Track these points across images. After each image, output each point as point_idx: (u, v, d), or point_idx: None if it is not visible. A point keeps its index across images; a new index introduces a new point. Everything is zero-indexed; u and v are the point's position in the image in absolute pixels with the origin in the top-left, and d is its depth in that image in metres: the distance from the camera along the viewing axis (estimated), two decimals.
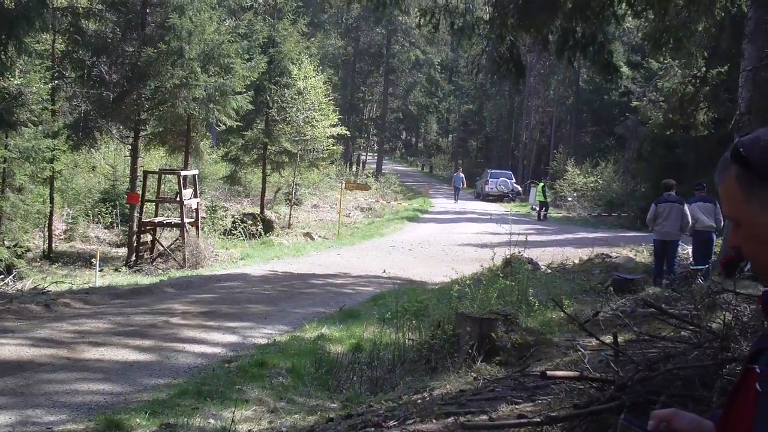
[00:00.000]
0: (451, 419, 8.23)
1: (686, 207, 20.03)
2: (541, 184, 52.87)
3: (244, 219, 38.04)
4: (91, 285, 23.78)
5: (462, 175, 62.48)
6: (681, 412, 2.74)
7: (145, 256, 30.59)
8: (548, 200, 52.65)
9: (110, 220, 36.56)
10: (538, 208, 51.63)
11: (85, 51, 29.66)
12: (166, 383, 11.76)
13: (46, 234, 30.94)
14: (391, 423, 8.50)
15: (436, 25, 15.26)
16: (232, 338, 15.41)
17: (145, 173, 31.80)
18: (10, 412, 10.19)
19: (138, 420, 9.64)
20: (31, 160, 26.33)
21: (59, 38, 29.63)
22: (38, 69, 26.67)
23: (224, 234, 36.02)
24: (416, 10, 18.13)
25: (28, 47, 21.70)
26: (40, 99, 25.95)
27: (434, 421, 8.26)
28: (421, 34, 75.58)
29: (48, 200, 29.49)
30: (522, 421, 7.28)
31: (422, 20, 15.64)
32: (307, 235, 38.57)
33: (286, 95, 40.46)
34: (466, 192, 64.83)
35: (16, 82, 24.68)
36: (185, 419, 9.73)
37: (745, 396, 2.40)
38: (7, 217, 25.45)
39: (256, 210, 41.62)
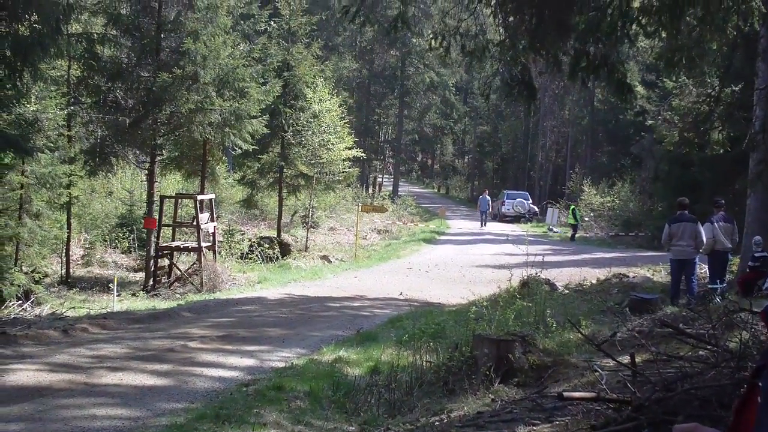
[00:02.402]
0: None
1: (700, 226, 19.99)
2: (572, 207, 53.31)
3: (261, 242, 38.04)
4: (108, 310, 23.82)
5: (488, 197, 60.92)
6: (702, 427, 2.76)
7: (163, 281, 30.64)
8: (579, 223, 52.95)
9: (127, 244, 36.64)
10: (572, 231, 52.12)
11: (100, 77, 29.74)
12: (183, 407, 11.75)
13: (64, 259, 31.01)
14: None
15: (447, 48, 15.29)
16: (249, 362, 15.42)
17: (162, 198, 31.86)
18: None
19: None
20: (48, 185, 26.40)
21: (74, 64, 29.73)
22: (54, 95, 26.75)
23: (241, 258, 36.03)
24: (429, 32, 18.14)
25: (44, 74, 21.85)
26: (56, 125, 26.02)
27: None
28: (435, 56, 75.65)
29: (65, 225, 29.58)
30: None
31: (433, 43, 15.67)
32: (324, 257, 38.57)
33: (302, 118, 40.47)
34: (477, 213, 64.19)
35: (32, 108, 24.78)
36: None
37: (751, 410, 2.42)
38: (24, 243, 25.52)
39: (273, 233, 41.62)
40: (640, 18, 13.65)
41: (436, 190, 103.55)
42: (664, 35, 14.73)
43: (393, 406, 11.79)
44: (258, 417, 10.88)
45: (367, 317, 21.78)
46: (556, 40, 13.78)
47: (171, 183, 41.35)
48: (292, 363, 14.99)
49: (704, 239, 19.84)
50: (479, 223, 58.36)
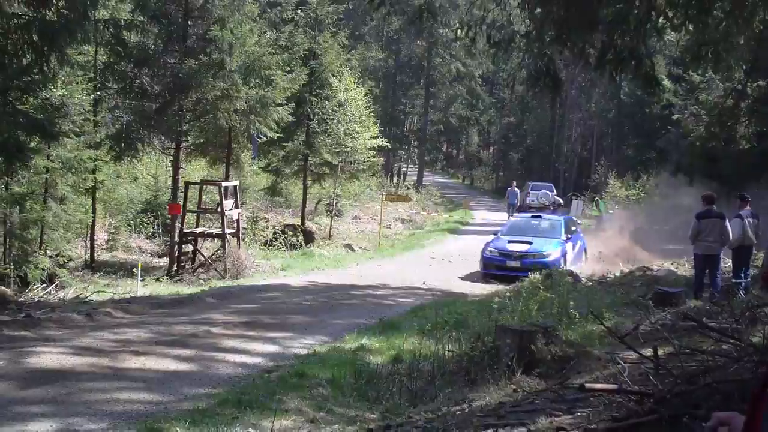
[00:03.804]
0: (490, 431, 8.26)
1: (727, 222, 19.87)
2: (596, 198, 53.37)
3: (285, 230, 38.09)
4: (132, 294, 23.91)
5: (517, 189, 60.08)
6: (740, 416, 2.80)
7: (187, 266, 30.72)
8: (603, 214, 52.94)
9: (152, 230, 36.75)
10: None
11: (126, 63, 29.83)
12: (206, 393, 11.83)
13: (89, 244, 31.10)
14: None
15: (473, 38, 15.25)
16: (272, 348, 15.48)
17: (187, 184, 31.96)
18: (52, 420, 10.32)
19: (178, 429, 9.67)
20: (74, 170, 26.49)
21: (101, 50, 29.80)
22: (80, 80, 26.84)
23: (265, 245, 36.09)
24: (456, 22, 18.05)
25: (70, 59, 21.90)
26: (82, 110, 26.07)
27: None
28: (462, 47, 75.42)
29: (90, 210, 29.64)
30: None
31: (459, 33, 15.63)
32: (348, 246, 38.59)
33: (327, 107, 40.47)
34: (504, 205, 63.80)
35: (58, 93, 24.85)
36: (225, 428, 9.77)
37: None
38: (49, 227, 25.63)
39: (297, 221, 41.61)
40: (667, 11, 13.61)
41: (460, 181, 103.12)
42: (690, 28, 14.67)
43: (414, 395, 11.79)
44: (280, 403, 10.89)
45: (390, 306, 21.80)
46: (583, 33, 13.75)
47: (196, 169, 41.39)
48: (315, 350, 15.03)
49: (731, 235, 19.72)
50: (506, 214, 57.94)
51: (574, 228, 32.20)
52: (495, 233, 31.58)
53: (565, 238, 29.74)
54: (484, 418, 8.88)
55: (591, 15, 13.37)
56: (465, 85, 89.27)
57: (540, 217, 33.09)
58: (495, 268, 28.29)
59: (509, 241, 29.31)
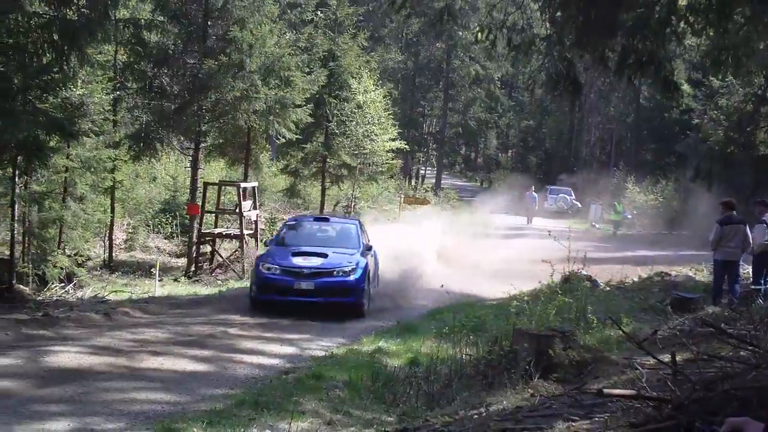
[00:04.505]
0: None
1: (748, 228, 19.81)
2: (616, 203, 53.36)
3: None
4: (150, 294, 24.01)
5: (535, 194, 59.91)
6: (753, 421, 2.80)
7: (205, 267, 30.83)
8: (621, 218, 53.03)
9: (170, 230, 36.86)
10: (613, 227, 52.33)
11: (146, 62, 29.99)
12: (223, 393, 11.87)
13: (107, 243, 31.21)
14: None
15: (493, 41, 15.24)
16: (289, 350, 15.54)
17: (205, 185, 32.07)
18: (69, 419, 10.36)
19: (195, 430, 9.68)
20: (93, 169, 26.54)
21: (121, 49, 29.91)
22: (100, 80, 26.92)
23: None
24: (475, 25, 18.07)
25: (90, 58, 22.00)
26: (101, 109, 26.14)
27: None
28: (481, 49, 75.36)
29: (109, 210, 29.74)
30: None
31: (480, 36, 15.63)
32: None
33: (346, 109, 40.54)
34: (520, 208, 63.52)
35: (78, 92, 24.91)
36: (242, 430, 9.79)
37: None
38: (68, 226, 25.67)
39: None
40: (688, 16, 13.58)
41: (479, 184, 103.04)
42: (711, 33, 14.64)
43: (432, 398, 11.80)
44: (297, 405, 10.92)
45: (407, 309, 21.80)
46: (603, 37, 13.72)
47: (214, 170, 41.50)
48: (332, 352, 15.08)
49: (751, 241, 19.67)
50: (525, 218, 57.72)
51: (367, 238, 24.64)
52: (266, 242, 25.37)
53: (363, 251, 22.57)
54: (501, 422, 8.86)
55: (611, 19, 13.34)
56: (484, 88, 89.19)
57: (327, 220, 26.10)
58: (277, 291, 20.60)
59: (294, 254, 21.69)
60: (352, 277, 20.84)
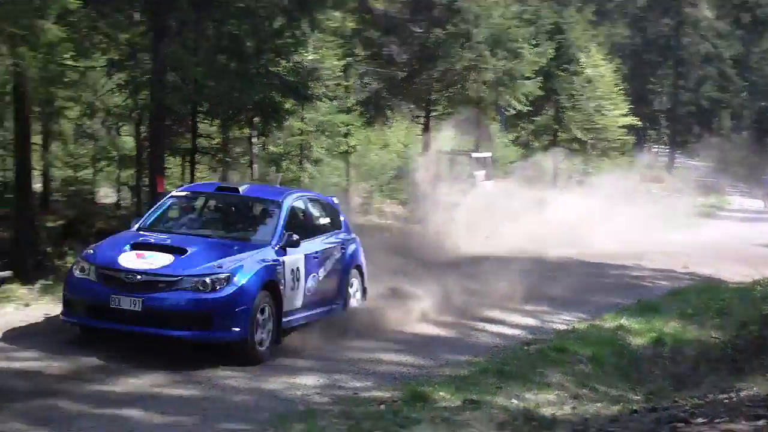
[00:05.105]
0: (762, 422, 7.99)
1: None
2: None
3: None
4: None
5: None
6: None
7: None
8: None
9: (405, 197, 37.19)
10: None
11: (374, 30, 30.32)
12: (466, 360, 12.01)
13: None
14: (699, 420, 8.31)
15: (736, 18, 14.72)
16: (529, 321, 15.49)
17: (437, 154, 32.17)
18: (318, 374, 10.78)
19: (442, 393, 9.73)
20: (327, 133, 27.11)
21: (348, 17, 30.30)
22: (331, 46, 27.33)
23: None
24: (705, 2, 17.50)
25: (321, 24, 22.35)
26: (333, 75, 26.59)
27: (744, 421, 8.01)
28: (709, 27, 73.47)
29: (344, 174, 30.26)
30: None
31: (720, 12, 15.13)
32: None
33: (575, 83, 40.16)
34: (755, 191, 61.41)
35: (309, 57, 25.36)
36: (489, 397, 9.75)
37: None
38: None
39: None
40: None
41: (712, 164, 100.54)
42: None
43: (677, 379, 11.58)
44: (542, 376, 10.90)
45: (647, 288, 21.32)
46: None
47: (444, 139, 41.70)
48: (574, 326, 14.85)
49: None
50: (761, 202, 55.67)
51: (326, 221, 15.27)
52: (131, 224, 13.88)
53: (282, 245, 12.38)
54: (753, 408, 8.62)
55: None
56: (715, 67, 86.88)
57: (236, 191, 14.06)
58: (85, 309, 11.55)
59: (136, 244, 12.07)
60: (219, 294, 11.22)
